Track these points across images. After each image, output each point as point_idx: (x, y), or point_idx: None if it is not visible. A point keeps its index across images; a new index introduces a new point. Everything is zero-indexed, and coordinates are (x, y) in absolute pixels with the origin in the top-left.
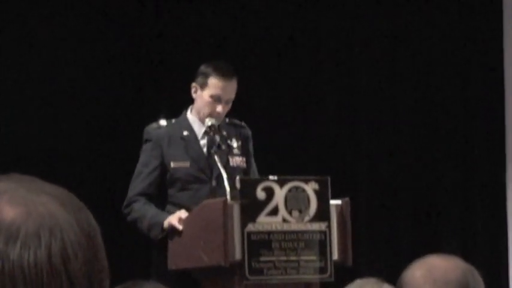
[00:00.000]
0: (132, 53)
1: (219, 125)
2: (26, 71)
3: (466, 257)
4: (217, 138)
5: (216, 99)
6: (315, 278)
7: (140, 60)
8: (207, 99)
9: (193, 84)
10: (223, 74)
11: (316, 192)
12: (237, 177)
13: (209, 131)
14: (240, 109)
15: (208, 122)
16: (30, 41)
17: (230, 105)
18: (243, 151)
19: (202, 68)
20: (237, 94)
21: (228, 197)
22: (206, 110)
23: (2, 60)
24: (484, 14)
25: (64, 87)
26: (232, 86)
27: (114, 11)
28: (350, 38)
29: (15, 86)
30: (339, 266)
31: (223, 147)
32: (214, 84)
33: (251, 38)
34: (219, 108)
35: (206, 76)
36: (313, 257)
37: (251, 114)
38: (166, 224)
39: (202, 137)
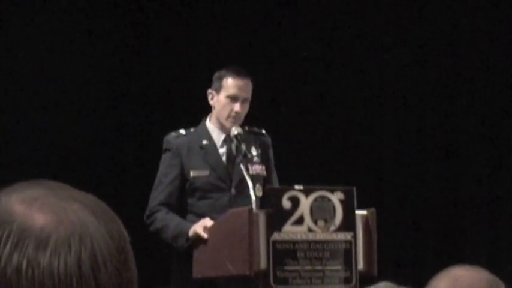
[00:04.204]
0: (151, 61)
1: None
2: (42, 77)
3: (492, 268)
4: (243, 147)
5: (232, 98)
6: (339, 287)
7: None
8: (224, 101)
9: (209, 90)
10: (237, 73)
11: (341, 202)
12: (257, 185)
13: (235, 140)
14: (263, 118)
15: (235, 131)
16: (47, 43)
17: (247, 106)
18: (263, 159)
19: (216, 73)
20: (262, 103)
21: (254, 206)
22: (224, 112)
23: (21, 64)
24: None
25: (81, 96)
26: (247, 85)
27: (131, 17)
28: (377, 48)
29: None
30: (364, 276)
31: (249, 156)
32: (229, 84)
33: (274, 46)
34: (237, 107)
35: (221, 79)
36: (338, 267)
37: (275, 124)
38: (191, 232)
39: (222, 146)
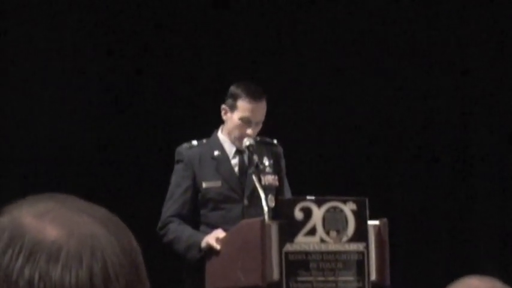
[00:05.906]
0: (164, 71)
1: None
2: (50, 81)
3: (504, 278)
4: (256, 158)
5: (245, 121)
6: None
7: (170, 79)
8: (237, 122)
9: (223, 106)
10: (252, 96)
11: (354, 212)
12: (269, 196)
13: (247, 151)
14: (275, 129)
15: (247, 141)
16: (50, 46)
17: (260, 126)
18: (275, 169)
19: (232, 89)
20: (273, 115)
21: (266, 216)
22: (236, 133)
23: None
24: None
25: (92, 104)
26: (261, 108)
27: (143, 25)
28: (387, 57)
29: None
30: (376, 287)
31: (262, 166)
32: (243, 106)
33: (283, 57)
34: (249, 131)
35: (235, 98)
36: (351, 278)
37: (286, 135)
38: (204, 243)
39: (234, 157)
